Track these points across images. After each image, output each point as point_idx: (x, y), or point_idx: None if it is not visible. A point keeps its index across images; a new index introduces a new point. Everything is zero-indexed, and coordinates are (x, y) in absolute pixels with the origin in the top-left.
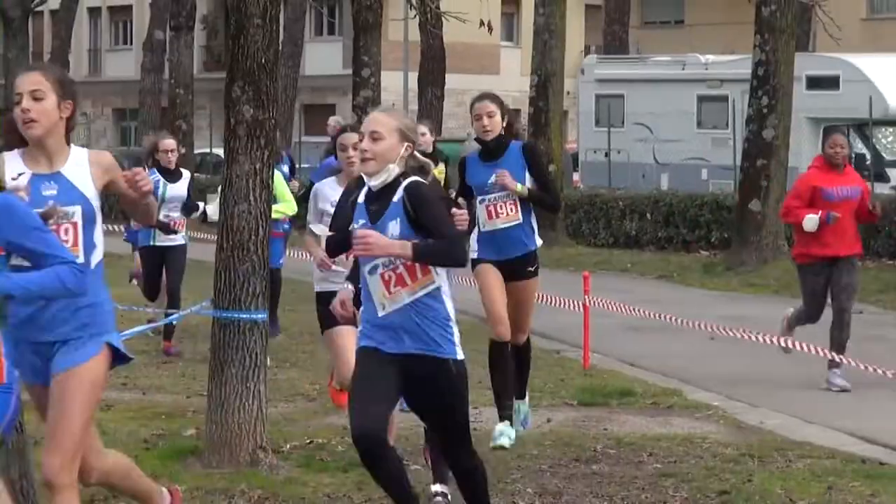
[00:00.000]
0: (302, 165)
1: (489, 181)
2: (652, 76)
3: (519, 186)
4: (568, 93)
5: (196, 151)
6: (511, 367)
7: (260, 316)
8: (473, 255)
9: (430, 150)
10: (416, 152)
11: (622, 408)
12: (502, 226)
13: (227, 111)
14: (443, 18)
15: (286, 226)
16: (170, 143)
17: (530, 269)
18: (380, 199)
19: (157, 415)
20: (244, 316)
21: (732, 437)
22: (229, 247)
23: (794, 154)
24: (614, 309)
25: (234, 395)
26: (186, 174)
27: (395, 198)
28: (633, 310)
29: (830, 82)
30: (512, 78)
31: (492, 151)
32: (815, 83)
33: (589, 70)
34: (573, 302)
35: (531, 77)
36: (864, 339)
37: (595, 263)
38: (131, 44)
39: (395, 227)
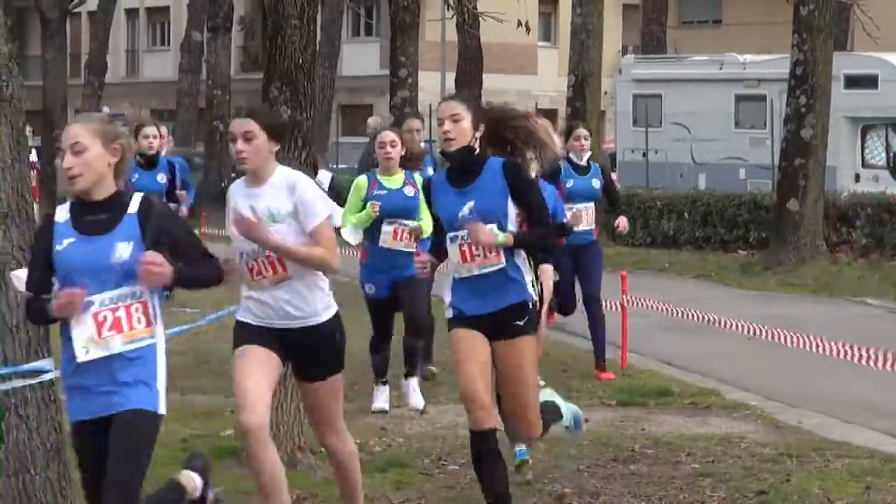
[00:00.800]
0: (339, 166)
1: (459, 213)
2: (689, 76)
3: (500, 237)
4: (605, 93)
5: None
6: (502, 463)
7: None
8: (449, 312)
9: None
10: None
11: (660, 408)
12: (478, 271)
13: None
14: (480, 18)
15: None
16: None
17: (519, 322)
18: (103, 212)
19: (196, 415)
20: None
21: (770, 436)
22: None
23: (832, 154)
24: (652, 308)
25: (273, 396)
26: (323, 176)
27: (132, 209)
28: (671, 309)
29: (869, 81)
30: (549, 78)
31: (462, 171)
32: (853, 82)
33: (626, 70)
34: (611, 301)
35: (568, 77)
36: None
37: (633, 263)
38: (169, 45)
39: (124, 249)
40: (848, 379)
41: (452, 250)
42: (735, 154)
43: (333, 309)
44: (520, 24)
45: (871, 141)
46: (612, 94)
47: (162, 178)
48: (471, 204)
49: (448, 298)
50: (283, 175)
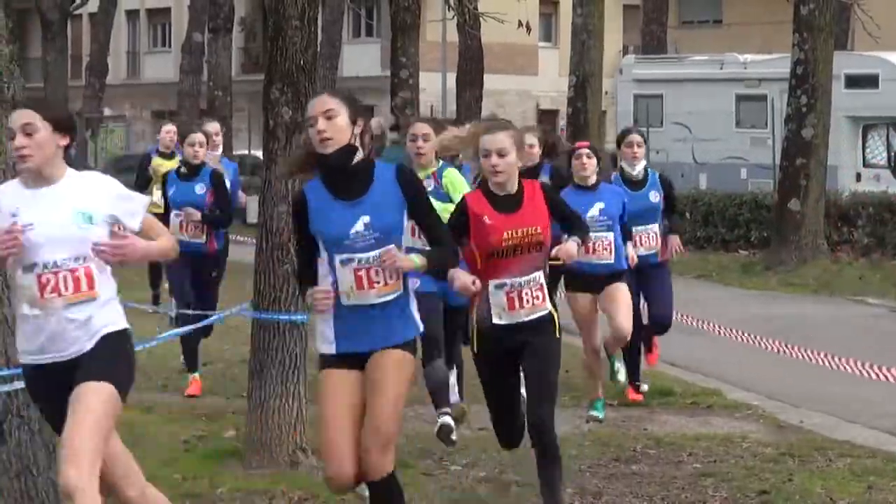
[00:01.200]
0: None
1: (352, 231)
2: (690, 76)
3: (416, 261)
4: (606, 93)
5: (235, 153)
6: None
7: (299, 317)
8: (328, 347)
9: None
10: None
11: (662, 408)
12: (377, 300)
13: (266, 113)
14: (481, 19)
15: None
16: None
17: (398, 341)
18: None
19: (197, 416)
20: (284, 317)
21: (772, 436)
22: (269, 248)
23: (833, 153)
24: None
25: (274, 397)
26: None
27: None
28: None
29: (869, 81)
30: (550, 78)
31: (345, 178)
32: (853, 82)
33: (627, 70)
34: None
35: (569, 77)
36: None
37: None
38: (170, 46)
39: None
40: (849, 378)
41: (344, 274)
42: (736, 154)
43: (123, 324)
44: (520, 24)
45: (872, 140)
46: (613, 94)
47: (201, 188)
48: (365, 219)
49: (329, 331)
50: (78, 175)
